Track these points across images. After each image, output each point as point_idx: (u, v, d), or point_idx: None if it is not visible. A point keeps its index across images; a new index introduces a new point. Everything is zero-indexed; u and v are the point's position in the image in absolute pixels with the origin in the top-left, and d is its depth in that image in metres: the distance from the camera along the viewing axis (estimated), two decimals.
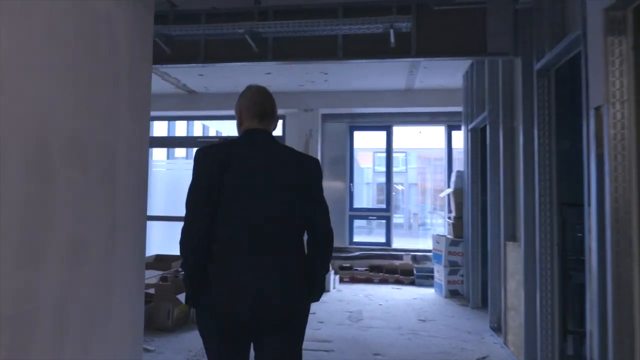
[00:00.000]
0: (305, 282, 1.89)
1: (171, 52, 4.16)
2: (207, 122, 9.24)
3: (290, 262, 1.85)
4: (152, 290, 4.95)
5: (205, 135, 9.58)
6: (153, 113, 7.73)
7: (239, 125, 2.05)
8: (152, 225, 8.35)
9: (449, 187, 7.30)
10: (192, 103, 7.78)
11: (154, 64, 4.65)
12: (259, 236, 1.80)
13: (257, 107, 2.00)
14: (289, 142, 7.80)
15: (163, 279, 5.57)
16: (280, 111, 7.91)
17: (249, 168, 1.85)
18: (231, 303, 1.77)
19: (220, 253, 1.81)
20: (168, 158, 9.72)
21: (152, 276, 5.66)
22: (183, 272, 1.91)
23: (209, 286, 1.80)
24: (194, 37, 4.14)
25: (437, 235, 6.80)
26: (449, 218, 6.88)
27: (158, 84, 7.03)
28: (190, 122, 9.14)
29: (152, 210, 8.25)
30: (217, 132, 9.89)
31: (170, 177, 8.46)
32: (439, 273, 6.50)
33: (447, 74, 6.48)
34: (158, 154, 9.10)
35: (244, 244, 1.80)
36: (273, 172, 1.87)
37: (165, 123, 8.96)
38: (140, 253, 2.50)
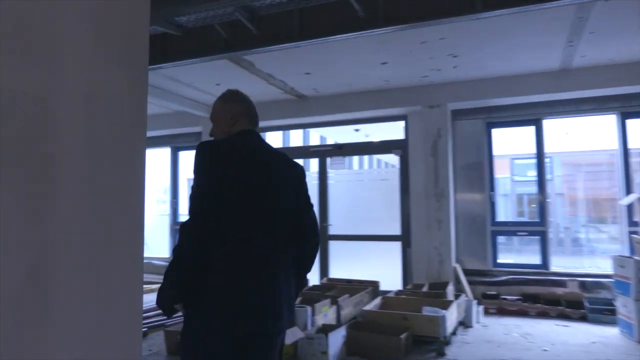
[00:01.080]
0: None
1: (258, 31, 3.37)
2: (320, 130, 8.50)
3: (290, 274, 1.93)
4: None
5: (323, 143, 8.85)
6: (265, 123, 7.05)
7: (229, 126, 2.01)
8: None
9: (629, 193, 5.53)
10: (303, 109, 7.06)
11: (240, 49, 4.03)
12: (265, 248, 1.83)
13: (252, 111, 2.07)
14: (413, 147, 6.66)
15: None
16: (400, 110, 6.86)
17: (253, 175, 1.86)
18: (248, 319, 1.77)
19: (227, 267, 1.76)
20: None
21: None
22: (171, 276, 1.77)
23: (211, 303, 1.74)
24: (285, 8, 3.30)
25: (620, 256, 5.08)
26: (636, 233, 5.13)
27: (264, 90, 6.42)
28: (306, 130, 8.49)
29: None
30: (335, 142, 9.11)
31: None
32: (627, 308, 4.78)
33: (622, 41, 4.85)
34: None
35: (253, 257, 1.80)
36: (275, 180, 1.91)
37: (279, 134, 8.44)
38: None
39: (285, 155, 2.04)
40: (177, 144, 8.67)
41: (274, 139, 8.60)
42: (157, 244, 9.14)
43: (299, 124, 7.67)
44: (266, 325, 1.79)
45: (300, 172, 2.06)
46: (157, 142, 8.72)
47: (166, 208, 8.95)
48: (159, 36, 4.09)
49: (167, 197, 8.92)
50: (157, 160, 9.25)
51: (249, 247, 1.78)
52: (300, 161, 8.78)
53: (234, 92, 2.11)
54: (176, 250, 1.74)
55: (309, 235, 2.02)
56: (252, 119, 2.06)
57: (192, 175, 1.83)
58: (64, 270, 1.21)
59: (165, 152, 8.94)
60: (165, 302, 1.75)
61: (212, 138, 2.04)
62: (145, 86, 1.53)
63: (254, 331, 1.78)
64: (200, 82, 6.14)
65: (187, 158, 9.02)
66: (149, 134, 8.63)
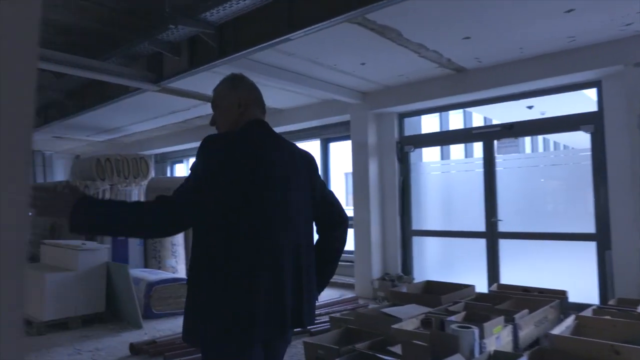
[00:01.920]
0: None
1: None
2: (483, 109, 7.28)
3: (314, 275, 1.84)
4: (397, 348, 3.39)
5: (488, 124, 7.62)
6: (417, 105, 6.16)
7: (238, 115, 1.82)
8: (424, 243, 6.89)
9: None
10: (463, 85, 6.01)
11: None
12: (290, 251, 1.70)
13: (261, 98, 1.91)
14: (610, 121, 5.18)
15: (425, 322, 3.97)
16: (589, 75, 5.27)
17: (273, 171, 1.71)
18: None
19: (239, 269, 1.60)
20: (442, 158, 8.15)
21: (412, 315, 4.13)
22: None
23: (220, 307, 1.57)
24: None
25: None
26: None
27: (414, 65, 5.58)
28: (467, 110, 7.37)
29: (424, 224, 6.80)
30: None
31: (445, 181, 6.86)
32: None
33: None
34: (429, 154, 7.64)
35: (269, 258, 1.65)
36: (292, 173, 1.79)
37: (435, 116, 7.48)
38: None
39: (297, 146, 1.92)
40: (326, 135, 8.29)
41: (429, 124, 7.67)
42: None
43: (459, 103, 6.61)
44: (282, 333, 1.70)
45: (314, 160, 1.96)
46: (306, 134, 8.45)
47: None
48: (283, 1, 3.57)
49: None
50: None
51: (266, 246, 1.64)
52: (460, 146, 7.65)
53: (240, 76, 1.91)
54: (147, 210, 1.59)
55: (336, 219, 1.95)
56: (262, 107, 1.91)
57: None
58: None
59: (315, 145, 8.65)
60: (84, 220, 1.50)
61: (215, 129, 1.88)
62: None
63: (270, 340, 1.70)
64: (344, 62, 5.55)
65: (338, 150, 8.60)
66: (298, 126, 8.47)
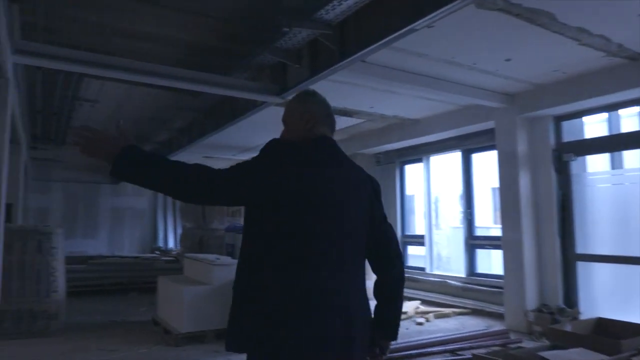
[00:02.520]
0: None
1: None
2: None
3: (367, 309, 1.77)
4: None
5: None
6: (579, 104, 5.16)
7: (305, 131, 1.77)
8: (592, 270, 5.72)
9: None
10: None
11: None
12: (336, 278, 1.63)
13: (331, 115, 1.87)
14: None
15: None
16: None
17: (327, 191, 1.65)
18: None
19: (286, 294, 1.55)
20: (613, 168, 6.80)
21: None
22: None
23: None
24: None
25: None
26: None
27: (574, 55, 4.68)
28: None
29: (592, 247, 5.66)
30: None
31: (617, 195, 5.65)
32: None
33: None
34: (596, 164, 6.41)
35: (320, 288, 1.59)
36: (349, 196, 1.71)
37: (602, 117, 6.26)
38: None
39: (362, 169, 1.84)
40: (468, 146, 7.51)
41: (594, 127, 6.45)
42: (453, 260, 8.14)
43: (633, 100, 5.40)
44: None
45: (378, 187, 1.87)
46: (445, 146, 7.79)
47: (460, 219, 7.88)
48: None
49: (460, 207, 7.84)
50: (448, 165, 8.31)
51: (315, 273, 1.57)
52: (636, 153, 6.27)
53: (311, 92, 1.89)
54: (191, 172, 1.53)
55: (393, 255, 1.83)
56: (331, 124, 1.86)
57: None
58: None
59: (455, 157, 7.92)
60: (127, 168, 1.51)
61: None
62: None
63: None
64: (485, 60, 4.87)
65: (482, 161, 7.75)
66: (436, 137, 7.81)
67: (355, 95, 6.10)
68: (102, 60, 3.83)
